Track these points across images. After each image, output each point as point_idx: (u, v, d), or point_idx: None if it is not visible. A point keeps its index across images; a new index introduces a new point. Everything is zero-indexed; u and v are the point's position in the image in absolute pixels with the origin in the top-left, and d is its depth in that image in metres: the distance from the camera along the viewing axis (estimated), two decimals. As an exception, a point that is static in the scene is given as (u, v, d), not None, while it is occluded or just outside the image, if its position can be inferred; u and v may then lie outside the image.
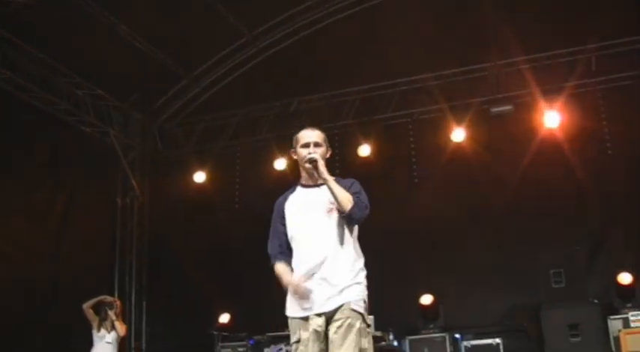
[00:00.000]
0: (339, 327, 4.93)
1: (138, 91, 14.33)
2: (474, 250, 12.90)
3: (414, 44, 12.73)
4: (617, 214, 12.52)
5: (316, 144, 5.33)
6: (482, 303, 12.77)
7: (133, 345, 14.04)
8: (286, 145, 13.56)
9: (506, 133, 13.04)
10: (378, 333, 11.59)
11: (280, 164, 13.94)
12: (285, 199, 5.44)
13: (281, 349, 11.56)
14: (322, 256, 5.10)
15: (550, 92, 12.68)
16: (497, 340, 11.69)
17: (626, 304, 11.48)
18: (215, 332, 12.70)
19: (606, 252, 12.57)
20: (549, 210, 12.57)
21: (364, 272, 5.21)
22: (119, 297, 12.73)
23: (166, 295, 14.41)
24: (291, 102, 14.29)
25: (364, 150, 13.67)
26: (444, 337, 12.02)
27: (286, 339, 11.36)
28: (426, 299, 12.36)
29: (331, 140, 13.67)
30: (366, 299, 5.09)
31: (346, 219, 5.14)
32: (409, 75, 13.47)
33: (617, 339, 10.88)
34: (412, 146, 13.87)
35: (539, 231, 12.51)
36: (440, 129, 13.37)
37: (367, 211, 5.21)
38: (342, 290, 5.03)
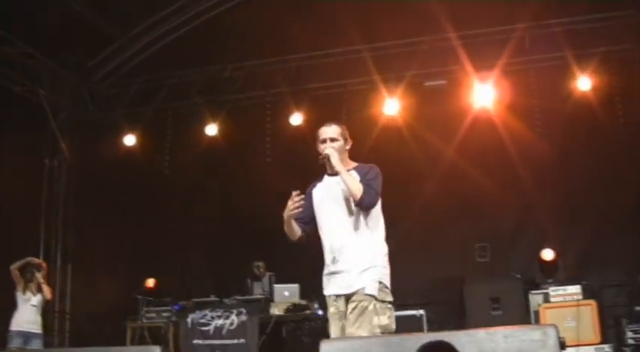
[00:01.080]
0: (353, 309, 5.39)
1: (70, 51, 14.05)
2: (400, 222, 12.93)
3: (350, 15, 12.64)
4: (544, 191, 12.69)
5: (332, 140, 5.74)
6: (408, 275, 12.80)
7: (57, 308, 13.87)
8: (220, 111, 13.74)
9: (439, 107, 13.07)
10: (303, 302, 11.63)
11: (211, 129, 13.82)
12: (314, 186, 5.91)
13: (205, 315, 11.49)
14: (340, 243, 5.57)
15: (483, 68, 12.72)
16: (421, 311, 11.75)
17: (547, 279, 11.69)
18: (140, 297, 12.59)
19: (531, 228, 12.75)
20: (478, 185, 12.66)
21: (381, 255, 5.73)
22: (44, 260, 12.51)
23: (92, 259, 14.24)
24: (226, 68, 14.11)
25: (296, 119, 13.61)
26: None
27: (211, 305, 11.46)
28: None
29: (263, 108, 13.73)
30: (383, 279, 5.59)
31: (358, 206, 5.57)
32: (344, 45, 13.35)
33: (537, 313, 11.09)
34: (344, 117, 13.83)
35: (467, 206, 12.63)
36: (373, 101, 13.35)
37: (377, 197, 5.72)
38: (358, 275, 5.48)
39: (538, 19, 12.49)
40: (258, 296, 12.04)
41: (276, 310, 11.50)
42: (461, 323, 11.68)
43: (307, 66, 13.67)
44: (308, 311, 11.65)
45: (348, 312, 5.42)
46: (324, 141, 5.74)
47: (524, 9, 12.28)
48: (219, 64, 14.05)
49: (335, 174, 5.71)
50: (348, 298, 5.47)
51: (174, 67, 14.21)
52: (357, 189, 5.54)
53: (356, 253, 5.55)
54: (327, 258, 5.62)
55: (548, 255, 11.84)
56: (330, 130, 5.79)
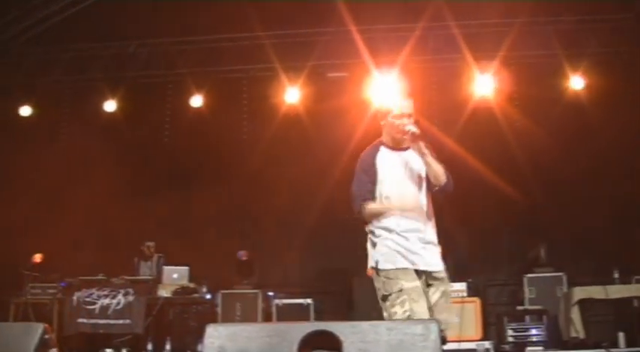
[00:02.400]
0: (443, 292, 5.38)
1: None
2: (296, 211, 13.06)
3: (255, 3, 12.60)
4: (460, 179, 12.90)
5: (410, 116, 5.38)
6: (298, 264, 12.98)
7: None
8: (120, 88, 13.54)
9: (341, 99, 13.16)
10: (192, 285, 11.61)
11: (110, 106, 13.62)
12: (373, 156, 5.44)
13: (92, 293, 11.37)
14: (424, 220, 5.35)
15: (386, 63, 12.87)
16: (309, 300, 11.89)
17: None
18: (26, 272, 12.32)
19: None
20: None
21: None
22: None
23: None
24: (130, 45, 13.90)
25: (196, 101, 13.55)
26: (256, 293, 12.13)
27: (98, 284, 11.33)
28: (243, 255, 12.43)
29: (164, 88, 13.58)
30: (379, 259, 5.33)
31: (435, 191, 5.42)
32: (249, 31, 13.27)
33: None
34: (245, 102, 13.87)
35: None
36: (274, 89, 13.37)
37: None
38: (438, 255, 5.44)
39: (439, 20, 12.68)
40: (147, 276, 11.96)
41: (164, 292, 11.45)
42: (348, 313, 11.84)
43: (211, 49, 13.55)
44: (196, 295, 11.65)
45: (440, 293, 5.31)
46: (402, 116, 5.37)
47: (424, 8, 12.44)
48: (124, 40, 13.79)
49: (402, 148, 5.45)
50: (428, 275, 5.30)
51: (76, 39, 13.89)
52: (442, 173, 5.35)
53: (434, 232, 5.46)
54: (411, 233, 5.28)
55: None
56: (410, 105, 5.45)
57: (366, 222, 5.40)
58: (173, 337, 11.22)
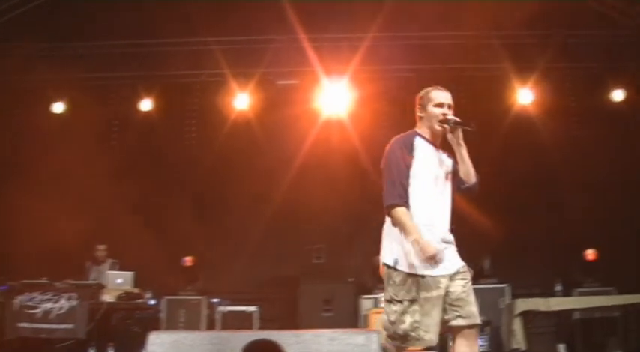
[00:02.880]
0: (464, 287, 5.13)
1: None
2: (243, 217, 13.03)
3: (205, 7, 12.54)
4: (378, 196, 12.99)
5: (449, 107, 5.28)
6: (244, 271, 12.92)
7: None
8: (69, 88, 13.30)
9: (291, 107, 13.17)
10: (136, 290, 11.50)
11: (58, 107, 13.57)
12: (412, 143, 5.22)
13: (34, 297, 11.19)
14: (447, 225, 5.21)
15: (336, 73, 12.92)
16: (253, 308, 11.84)
17: (378, 285, 11.97)
18: (-32, 276, 12.11)
19: (367, 234, 13.00)
20: (322, 187, 12.84)
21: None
22: None
23: None
24: (80, 46, 13.65)
25: (145, 105, 13.47)
26: (200, 299, 12.05)
27: (41, 288, 11.14)
28: (188, 261, 12.37)
29: (109, 91, 13.39)
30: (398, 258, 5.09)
31: (461, 190, 5.30)
32: (199, 36, 13.16)
33: (366, 317, 11.31)
34: (195, 107, 13.81)
35: (309, 206, 12.79)
36: (224, 94, 13.33)
37: None
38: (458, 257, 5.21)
39: (394, 31, 12.77)
40: (90, 281, 11.82)
41: (107, 297, 11.33)
42: (293, 322, 11.83)
43: (161, 52, 13.45)
44: (140, 300, 11.54)
45: (460, 287, 5.05)
46: (441, 105, 5.25)
47: (373, 19, 12.48)
48: (76, 41, 13.61)
49: (437, 145, 5.28)
50: (451, 276, 5.05)
51: (23, 39, 13.64)
52: (474, 172, 5.27)
53: (453, 237, 5.27)
54: (435, 238, 5.05)
55: (380, 261, 12.14)
56: (449, 96, 5.32)
57: (388, 216, 5.24)
58: (116, 343, 11.08)
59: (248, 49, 13.18)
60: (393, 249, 5.16)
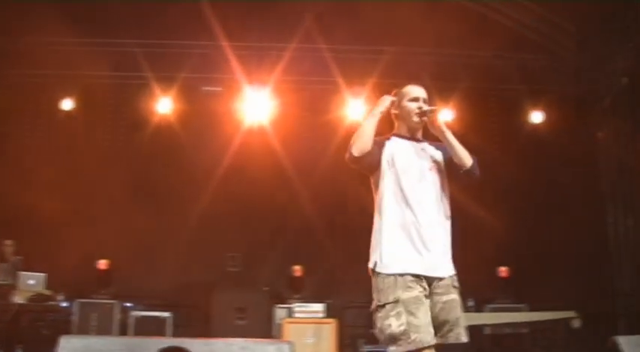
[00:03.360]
0: (451, 299, 4.80)
1: None
2: (160, 222, 12.93)
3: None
4: (299, 208, 13.12)
5: (424, 101, 5.14)
6: (160, 276, 12.83)
7: None
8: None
9: (215, 113, 13.17)
10: (48, 292, 11.35)
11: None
12: (388, 139, 5.12)
13: None
14: (429, 220, 4.88)
15: (258, 81, 12.97)
16: (166, 314, 11.76)
17: (293, 295, 12.05)
18: None
19: (283, 244, 13.08)
20: (242, 195, 12.87)
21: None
22: None
23: None
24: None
25: (66, 105, 13.33)
26: (113, 304, 11.91)
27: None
28: (102, 264, 12.26)
29: (28, 90, 13.14)
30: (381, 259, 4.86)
31: (461, 176, 5.03)
32: (121, 37, 13.01)
33: (280, 327, 11.35)
34: (117, 109, 13.68)
35: (228, 214, 12.81)
36: (146, 98, 13.25)
37: None
38: (448, 259, 4.92)
39: (310, 42, 12.87)
40: (1, 281, 11.61)
41: (18, 298, 11.14)
42: (206, 329, 11.80)
43: (82, 52, 13.23)
44: (52, 302, 11.39)
45: (443, 302, 4.73)
46: (416, 99, 5.11)
47: (296, 29, 12.59)
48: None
49: (416, 139, 5.13)
50: (430, 282, 4.75)
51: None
52: (468, 155, 5.02)
53: (444, 234, 4.94)
54: (412, 234, 4.81)
55: (296, 271, 12.25)
56: (423, 91, 5.19)
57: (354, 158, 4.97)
58: (25, 345, 10.91)
59: (172, 54, 13.07)
60: (373, 252, 4.96)
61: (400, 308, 4.61)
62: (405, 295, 4.64)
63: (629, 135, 13.31)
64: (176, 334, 11.64)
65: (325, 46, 12.94)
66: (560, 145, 13.13)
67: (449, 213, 5.04)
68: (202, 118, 13.21)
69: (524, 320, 11.24)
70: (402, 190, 4.90)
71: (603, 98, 13.49)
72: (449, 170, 5.08)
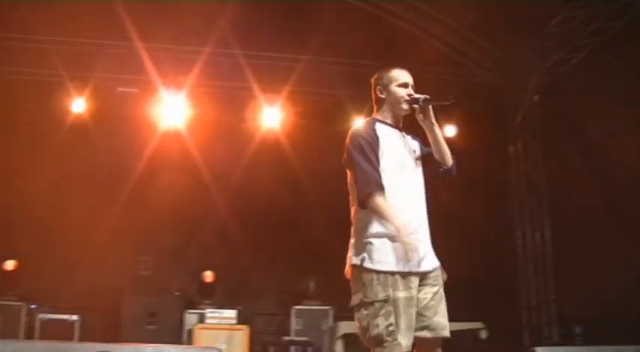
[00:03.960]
0: (435, 294, 4.57)
1: None
2: (69, 223, 12.69)
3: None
4: (213, 214, 13.10)
5: (412, 88, 4.82)
6: (69, 279, 12.58)
7: None
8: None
9: (131, 115, 12.99)
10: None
11: None
12: (372, 126, 4.73)
13: None
14: (422, 213, 4.68)
15: (174, 85, 12.90)
16: (75, 317, 11.56)
17: (204, 300, 11.99)
18: None
19: (195, 248, 13.02)
20: (156, 199, 12.74)
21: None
22: None
23: None
24: None
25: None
26: (19, 306, 11.66)
27: None
28: (9, 265, 11.99)
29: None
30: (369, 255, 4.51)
31: (438, 174, 4.80)
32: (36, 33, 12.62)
33: (190, 332, 11.30)
34: (30, 107, 13.39)
35: (139, 217, 12.68)
36: (60, 97, 12.98)
37: None
38: (433, 252, 4.71)
39: (225, 47, 12.87)
40: None
41: None
42: (115, 333, 11.64)
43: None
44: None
45: (431, 294, 4.53)
46: (405, 85, 4.80)
47: (211, 33, 12.55)
48: None
49: (399, 128, 4.82)
50: (422, 276, 4.53)
51: None
52: (449, 151, 4.79)
53: (427, 227, 4.70)
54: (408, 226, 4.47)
55: (208, 276, 12.20)
56: (410, 76, 4.86)
57: (365, 207, 4.58)
58: None
59: (86, 53, 12.82)
60: (359, 247, 4.59)
61: (390, 308, 4.37)
62: (395, 294, 4.39)
63: (538, 151, 13.66)
64: (83, 338, 11.46)
65: (240, 52, 12.96)
66: (473, 160, 13.36)
67: (425, 199, 4.79)
68: (117, 120, 13.00)
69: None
70: (393, 184, 4.57)
71: (515, 114, 13.80)
72: (427, 165, 4.85)
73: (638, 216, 11.05)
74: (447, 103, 4.71)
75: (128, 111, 13.00)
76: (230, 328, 11.24)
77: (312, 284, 12.45)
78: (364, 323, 4.46)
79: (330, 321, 11.93)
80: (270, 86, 13.19)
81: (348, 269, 4.68)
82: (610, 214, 11.61)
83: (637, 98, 10.85)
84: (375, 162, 4.55)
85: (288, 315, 12.21)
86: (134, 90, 13.13)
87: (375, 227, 4.52)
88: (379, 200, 4.45)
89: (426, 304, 4.50)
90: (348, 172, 4.80)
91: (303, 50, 12.86)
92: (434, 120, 4.71)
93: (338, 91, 13.26)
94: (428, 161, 4.83)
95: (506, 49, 13.17)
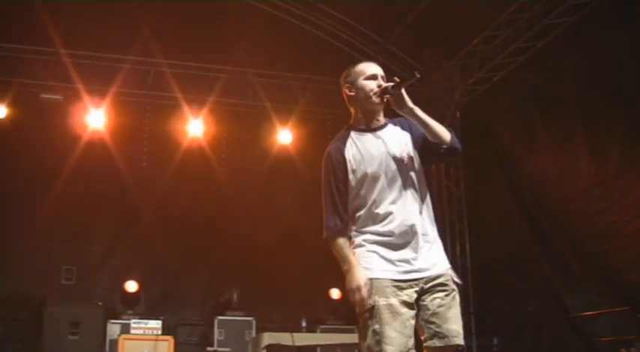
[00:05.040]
0: (446, 295, 4.26)
1: None
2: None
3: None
4: (139, 223, 13.07)
5: (383, 78, 4.46)
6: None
7: None
8: None
9: (55, 123, 12.86)
10: None
11: None
12: (340, 149, 4.43)
13: None
14: (414, 216, 4.33)
15: (98, 93, 12.86)
16: (-6, 327, 11.45)
17: (127, 310, 11.93)
18: None
19: (119, 257, 12.94)
20: (80, 207, 12.68)
21: None
22: None
23: None
24: None
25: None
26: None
27: None
28: None
29: None
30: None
31: (442, 154, 4.45)
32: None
33: (114, 342, 11.19)
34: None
35: (61, 225, 12.56)
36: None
37: None
38: (440, 253, 4.39)
39: (149, 56, 12.88)
40: None
41: None
42: (37, 343, 11.52)
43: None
44: None
45: (440, 302, 4.22)
46: (374, 76, 4.46)
47: (132, 42, 12.51)
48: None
49: (377, 127, 4.51)
50: (421, 281, 4.25)
51: None
52: (443, 129, 4.39)
53: (431, 226, 4.41)
54: (397, 232, 4.26)
55: (131, 286, 12.13)
56: (379, 68, 4.52)
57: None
58: None
59: (7, 58, 12.44)
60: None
61: (376, 317, 4.14)
62: (380, 302, 4.14)
63: (456, 167, 13.94)
64: (5, 349, 11.33)
65: (164, 61, 12.98)
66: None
67: (428, 198, 4.49)
68: (41, 127, 12.84)
69: (355, 341, 11.56)
70: (374, 194, 4.35)
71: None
72: (426, 151, 4.48)
73: (556, 232, 11.31)
74: (417, 77, 4.40)
75: (52, 118, 12.85)
76: (155, 339, 11.21)
77: (235, 295, 12.50)
78: (361, 334, 4.28)
79: (254, 332, 12.01)
80: (194, 96, 13.27)
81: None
82: (529, 228, 11.87)
83: (554, 116, 11.15)
84: (335, 197, 4.39)
85: (211, 326, 12.24)
86: (58, 97, 12.97)
87: (362, 235, 4.35)
88: (333, 246, 4.38)
89: (434, 311, 4.21)
90: None
91: (227, 61, 13.04)
92: (411, 105, 4.36)
93: (263, 103, 13.38)
94: (427, 146, 4.47)
95: (429, 65, 13.39)
